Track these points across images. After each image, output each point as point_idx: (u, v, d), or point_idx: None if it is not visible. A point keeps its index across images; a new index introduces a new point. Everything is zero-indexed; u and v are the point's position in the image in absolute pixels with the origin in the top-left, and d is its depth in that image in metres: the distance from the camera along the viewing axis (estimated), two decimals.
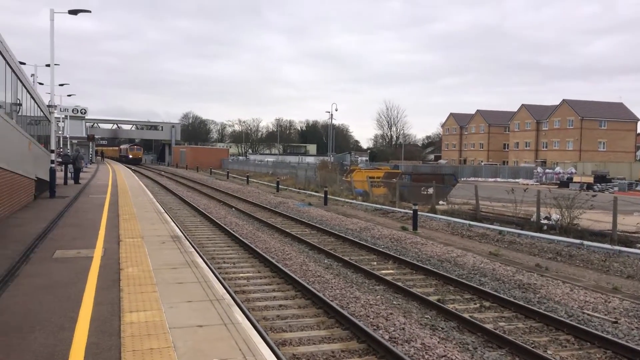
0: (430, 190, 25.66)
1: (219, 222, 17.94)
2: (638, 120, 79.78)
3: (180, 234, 12.25)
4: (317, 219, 20.73)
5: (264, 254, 12.51)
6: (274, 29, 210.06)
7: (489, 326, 8.10)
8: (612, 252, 14.11)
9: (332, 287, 10.09)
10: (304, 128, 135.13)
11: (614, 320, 8.70)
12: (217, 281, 7.90)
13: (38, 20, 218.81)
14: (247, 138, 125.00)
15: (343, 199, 28.66)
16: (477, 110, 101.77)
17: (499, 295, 9.80)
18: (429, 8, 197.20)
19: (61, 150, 45.58)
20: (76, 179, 29.77)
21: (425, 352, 6.87)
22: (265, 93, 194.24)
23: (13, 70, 16.42)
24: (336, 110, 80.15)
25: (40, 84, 36.18)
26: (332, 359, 6.73)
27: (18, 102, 17.82)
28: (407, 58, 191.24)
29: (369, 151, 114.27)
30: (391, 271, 11.94)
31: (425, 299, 9.34)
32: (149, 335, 5.30)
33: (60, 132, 47.39)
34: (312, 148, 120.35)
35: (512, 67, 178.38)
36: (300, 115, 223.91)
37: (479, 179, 59.43)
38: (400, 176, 31.53)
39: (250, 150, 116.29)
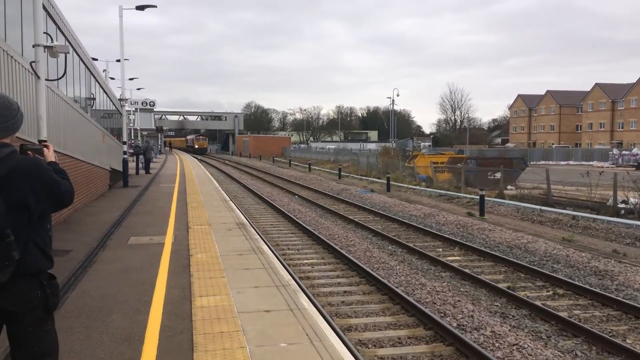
0: (498, 175, 24.85)
1: (282, 210, 18.17)
2: None
3: (245, 221, 12.51)
4: (380, 205, 20.58)
5: (327, 241, 12.55)
6: (333, 16, 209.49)
7: (563, 314, 7.76)
8: None
9: (396, 273, 9.99)
10: (365, 115, 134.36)
11: None
12: (282, 267, 8.00)
13: (108, 17, 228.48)
14: (309, 126, 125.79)
15: (406, 185, 28.29)
16: (547, 90, 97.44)
17: (573, 282, 9.37)
18: None
19: (132, 141, 47.60)
20: (147, 169, 31.05)
21: (496, 340, 6.68)
22: (326, 81, 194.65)
23: (87, 67, 17.23)
24: (397, 95, 79.09)
25: (112, 78, 37.82)
26: (399, 345, 6.66)
27: (92, 96, 18.72)
28: (470, 39, 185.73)
29: (431, 136, 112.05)
30: (458, 258, 11.68)
31: (495, 286, 9.06)
32: (218, 319, 5.43)
33: (131, 125, 49.41)
34: (373, 134, 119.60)
35: (583, 44, 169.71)
36: (360, 101, 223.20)
37: (550, 163, 57.04)
38: (465, 161, 30.73)
39: (311, 138, 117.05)
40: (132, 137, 52.89)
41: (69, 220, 12.29)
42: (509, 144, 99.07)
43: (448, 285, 9.33)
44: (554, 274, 9.93)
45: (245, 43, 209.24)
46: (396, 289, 8.58)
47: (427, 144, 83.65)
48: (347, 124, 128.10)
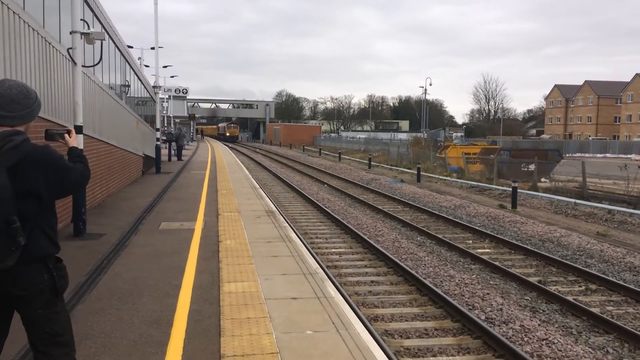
0: (532, 167, 24.35)
1: (312, 198, 18.21)
2: None
3: (274, 209, 12.59)
4: (410, 195, 20.43)
5: (355, 230, 12.54)
6: (365, 3, 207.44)
7: (595, 310, 7.59)
8: None
9: (425, 264, 9.92)
10: (396, 104, 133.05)
11: None
12: (310, 255, 8.04)
13: (143, 5, 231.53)
14: (339, 115, 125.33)
15: (436, 176, 28.00)
16: (585, 81, 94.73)
17: (606, 277, 9.15)
18: None
19: (165, 128, 48.33)
20: (179, 156, 31.50)
21: (525, 335, 6.58)
22: (357, 69, 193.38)
23: (122, 54, 17.51)
24: (430, 85, 78.10)
25: (146, 66, 38.44)
26: (425, 336, 6.63)
27: (127, 83, 19.04)
28: (506, 28, 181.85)
29: (464, 127, 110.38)
30: (488, 250, 11.53)
31: (525, 280, 8.92)
32: (246, 305, 5.50)
33: (164, 112, 50.17)
34: (404, 124, 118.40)
35: (624, 33, 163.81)
36: (392, 91, 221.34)
37: (586, 155, 55.58)
38: (498, 152, 30.18)
39: (342, 127, 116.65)
40: (165, 124, 53.75)
41: (103, 205, 12.58)
42: (544, 136, 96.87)
43: (477, 277, 9.22)
44: (586, 269, 9.72)
45: (277, 31, 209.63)
46: (424, 280, 8.52)
47: (459, 134, 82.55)
48: (379, 114, 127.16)
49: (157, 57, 24.75)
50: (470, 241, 12.42)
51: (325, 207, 16.42)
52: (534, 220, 14.95)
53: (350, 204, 17.90)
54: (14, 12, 7.41)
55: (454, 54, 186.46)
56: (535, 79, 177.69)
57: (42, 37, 8.71)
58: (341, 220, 13.96)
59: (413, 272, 9.02)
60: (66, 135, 3.17)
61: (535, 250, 11.14)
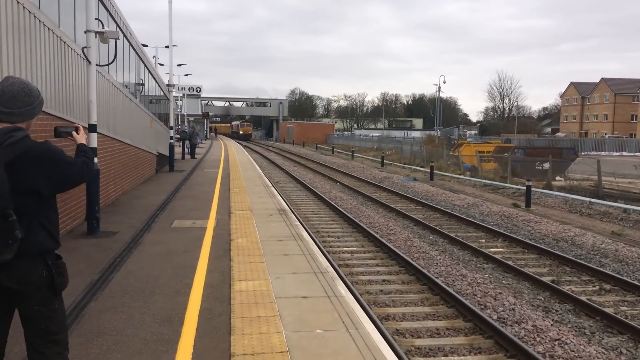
0: (546, 165, 24.11)
1: (324, 197, 18.21)
2: None
3: (286, 207, 12.60)
4: (423, 194, 20.35)
5: (368, 229, 12.52)
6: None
7: (609, 310, 7.51)
8: None
9: (437, 263, 9.88)
10: (410, 102, 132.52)
11: None
12: (322, 254, 8.04)
13: (157, 4, 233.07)
14: (353, 113, 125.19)
15: (450, 174, 27.85)
16: (602, 78, 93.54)
17: (621, 277, 9.04)
18: None
19: (179, 127, 48.60)
20: (192, 154, 31.66)
21: (537, 335, 6.52)
22: (371, 67, 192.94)
23: (136, 52, 17.64)
24: (444, 82, 77.73)
25: (161, 64, 38.54)
26: (437, 336, 6.60)
27: (141, 81, 19.18)
28: (521, 24, 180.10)
29: (478, 125, 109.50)
30: (501, 249, 11.45)
31: (538, 280, 8.84)
32: (256, 303, 5.52)
33: (178, 110, 50.43)
34: (418, 122, 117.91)
35: None
36: (406, 88, 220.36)
37: (602, 153, 54.89)
38: (512, 150, 29.93)
39: (355, 125, 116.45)
40: (179, 123, 54.07)
41: (117, 203, 12.70)
42: (559, 134, 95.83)
43: (490, 277, 9.16)
44: (601, 269, 9.62)
45: (289, 28, 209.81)
46: (436, 280, 8.49)
47: (473, 132, 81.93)
48: (392, 111, 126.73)
49: (171, 56, 24.93)
50: (483, 240, 12.34)
51: (338, 205, 16.41)
52: (548, 219, 14.81)
53: (363, 203, 17.88)
54: (29, 12, 7.51)
55: (468, 51, 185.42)
56: (551, 76, 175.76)
57: (57, 36, 8.80)
58: (353, 218, 13.95)
59: (425, 271, 8.99)
60: (74, 133, 3.20)
61: (549, 249, 11.03)
